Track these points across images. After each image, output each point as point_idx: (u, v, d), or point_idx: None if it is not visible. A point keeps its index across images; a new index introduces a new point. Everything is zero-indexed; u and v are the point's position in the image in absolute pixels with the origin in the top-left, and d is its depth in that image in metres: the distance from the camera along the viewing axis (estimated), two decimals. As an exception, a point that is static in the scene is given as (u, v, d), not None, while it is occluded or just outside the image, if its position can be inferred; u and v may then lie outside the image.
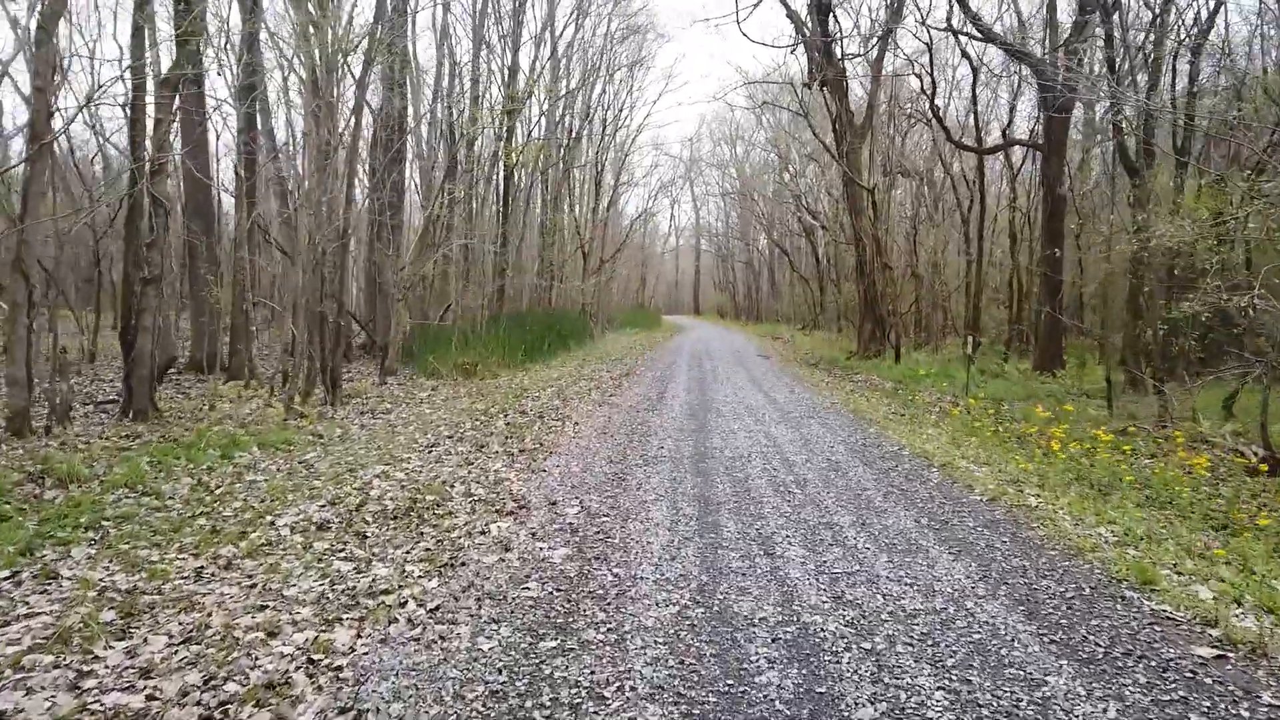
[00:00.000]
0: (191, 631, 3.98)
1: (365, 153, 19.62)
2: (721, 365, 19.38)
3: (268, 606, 4.29)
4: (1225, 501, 7.33)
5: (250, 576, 4.78)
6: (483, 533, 5.54)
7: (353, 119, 12.59)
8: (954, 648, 3.87)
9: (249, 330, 13.80)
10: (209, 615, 4.17)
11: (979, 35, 18.40)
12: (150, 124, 10.44)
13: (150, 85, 11.28)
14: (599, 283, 31.52)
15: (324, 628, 3.99)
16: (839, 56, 21.62)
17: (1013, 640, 3.98)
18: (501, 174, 23.63)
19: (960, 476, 7.70)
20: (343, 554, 5.16)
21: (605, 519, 5.95)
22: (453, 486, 6.91)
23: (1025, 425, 11.39)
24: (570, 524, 5.80)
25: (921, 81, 19.20)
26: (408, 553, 5.16)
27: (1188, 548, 5.69)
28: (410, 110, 20.91)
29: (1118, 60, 16.75)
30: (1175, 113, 12.47)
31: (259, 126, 16.83)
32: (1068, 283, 19.44)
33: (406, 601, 4.26)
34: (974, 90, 21.25)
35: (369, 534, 5.59)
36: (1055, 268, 17.91)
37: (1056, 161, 17.94)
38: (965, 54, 20.56)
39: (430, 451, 8.60)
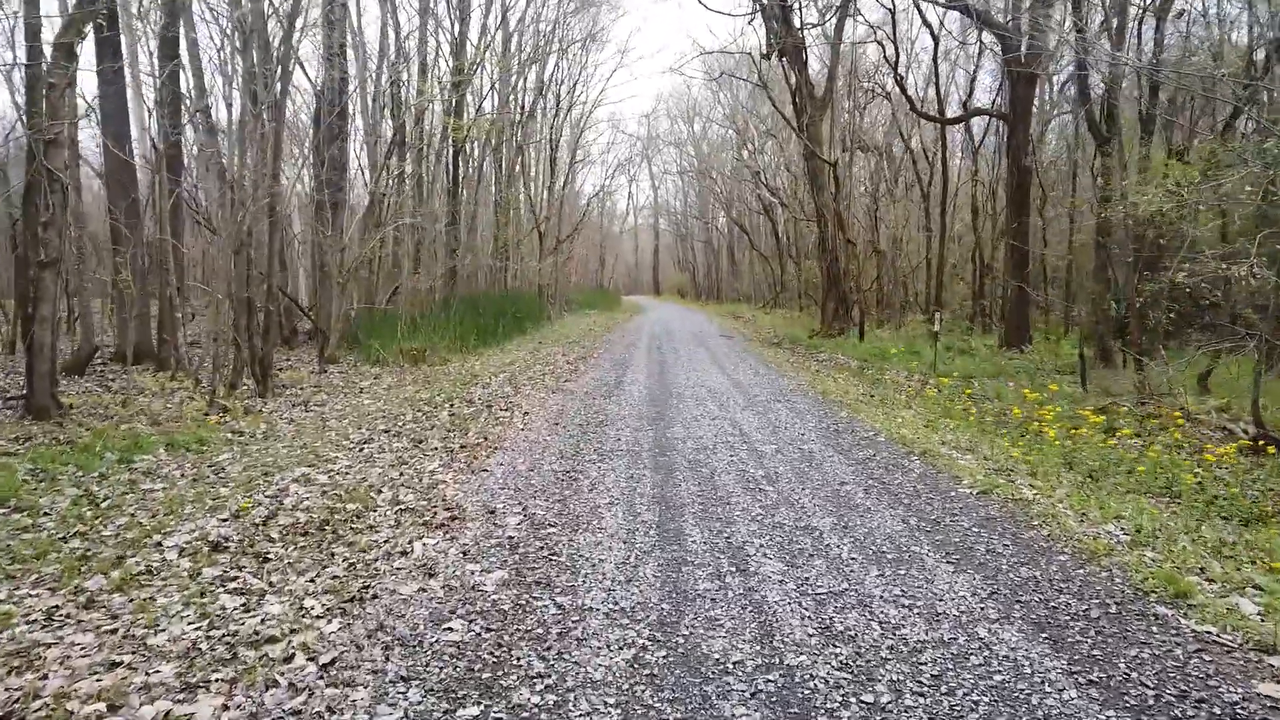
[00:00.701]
0: (13, 704, 3.09)
1: (311, 130, 18.47)
2: (683, 346, 18.60)
3: (122, 662, 3.40)
4: (1226, 485, 6.70)
5: (114, 618, 3.88)
6: (405, 553, 4.68)
7: (279, 86, 11.50)
8: (974, 696, 3.12)
9: (173, 317, 12.68)
10: (44, 678, 3.28)
11: (943, 1, 17.69)
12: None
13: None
14: (556, 263, 30.53)
15: (183, 695, 3.11)
16: (798, 26, 20.82)
17: (1042, 682, 3.23)
18: (451, 151, 22.50)
19: (944, 465, 6.99)
20: (235, 583, 4.27)
21: (551, 530, 5.12)
22: (380, 492, 6.04)
23: (1003, 405, 10.77)
24: (510, 538, 4.96)
25: (884, 50, 18.47)
26: (311, 581, 4.28)
27: (1210, 545, 5.01)
28: (355, 83, 19.73)
29: (1084, 25, 16.14)
30: (1157, 70, 11.80)
31: (188, 96, 15.64)
32: (1033, 257, 18.93)
33: (294, 654, 3.40)
34: (935, 61, 20.61)
35: (271, 555, 4.70)
36: (1022, 240, 17.38)
37: (1022, 131, 17.35)
38: (926, 22, 19.90)
39: (362, 449, 7.69)
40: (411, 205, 21.32)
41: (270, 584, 4.25)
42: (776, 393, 11.34)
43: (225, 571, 4.44)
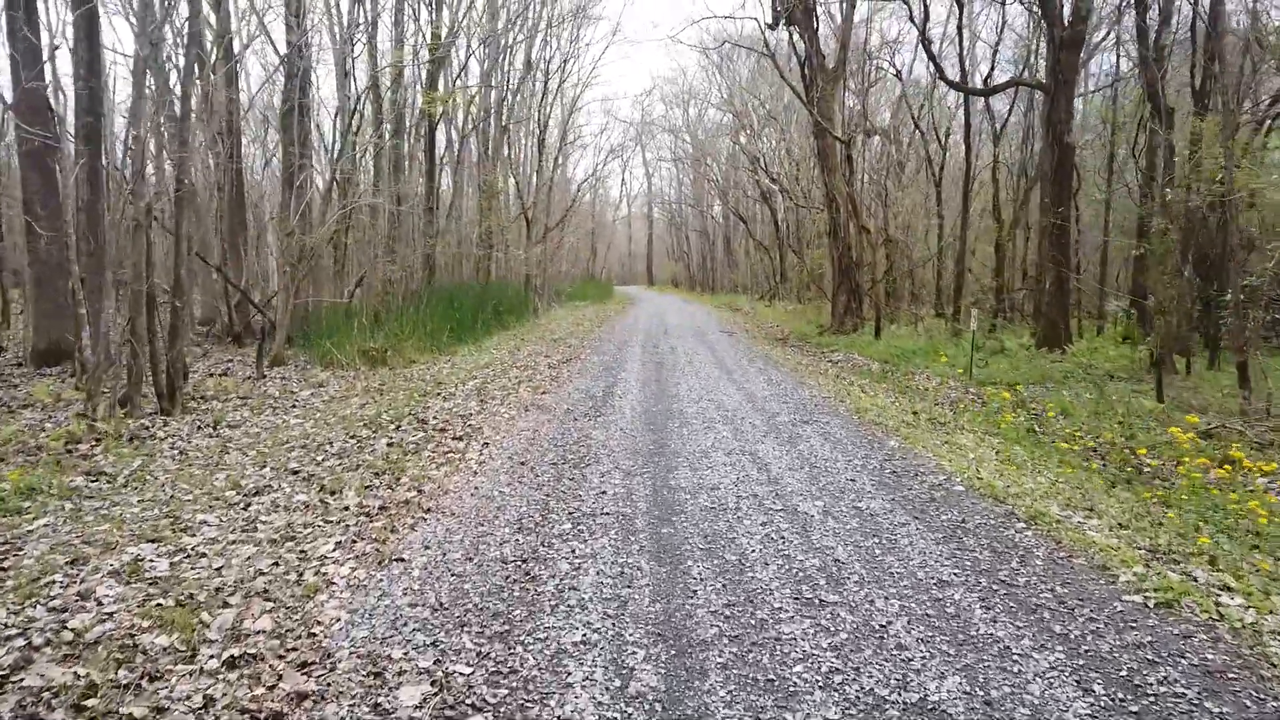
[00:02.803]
0: None
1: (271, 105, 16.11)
2: (681, 345, 16.29)
3: None
4: None
5: None
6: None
7: (185, 40, 9.11)
8: None
9: (77, 312, 10.32)
10: None
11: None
12: None
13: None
14: (545, 252, 28.13)
15: None
16: (809, -11, 18.45)
17: None
18: (428, 128, 20.08)
19: (1071, 542, 4.74)
20: None
21: None
22: (222, 609, 3.75)
23: (1078, 426, 8.53)
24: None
25: (911, 8, 16.10)
26: None
27: None
28: (324, 50, 17.32)
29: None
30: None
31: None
32: (1077, 246, 16.69)
33: None
34: (960, 29, 18.25)
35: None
36: (1063, 227, 15.11)
37: (1065, 103, 15.05)
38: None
39: (248, 506, 5.39)
40: (384, 187, 18.96)
41: None
42: (800, 409, 9.07)
43: None
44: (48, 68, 10.31)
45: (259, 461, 6.66)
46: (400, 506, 5.29)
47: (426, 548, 4.49)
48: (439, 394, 10.08)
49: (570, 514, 5.15)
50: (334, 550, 4.46)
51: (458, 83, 21.23)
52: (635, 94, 57.94)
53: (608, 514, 5.16)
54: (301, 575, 4.15)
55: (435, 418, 8.52)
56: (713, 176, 45.05)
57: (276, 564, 4.30)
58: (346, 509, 5.28)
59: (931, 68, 16.15)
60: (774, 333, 20.28)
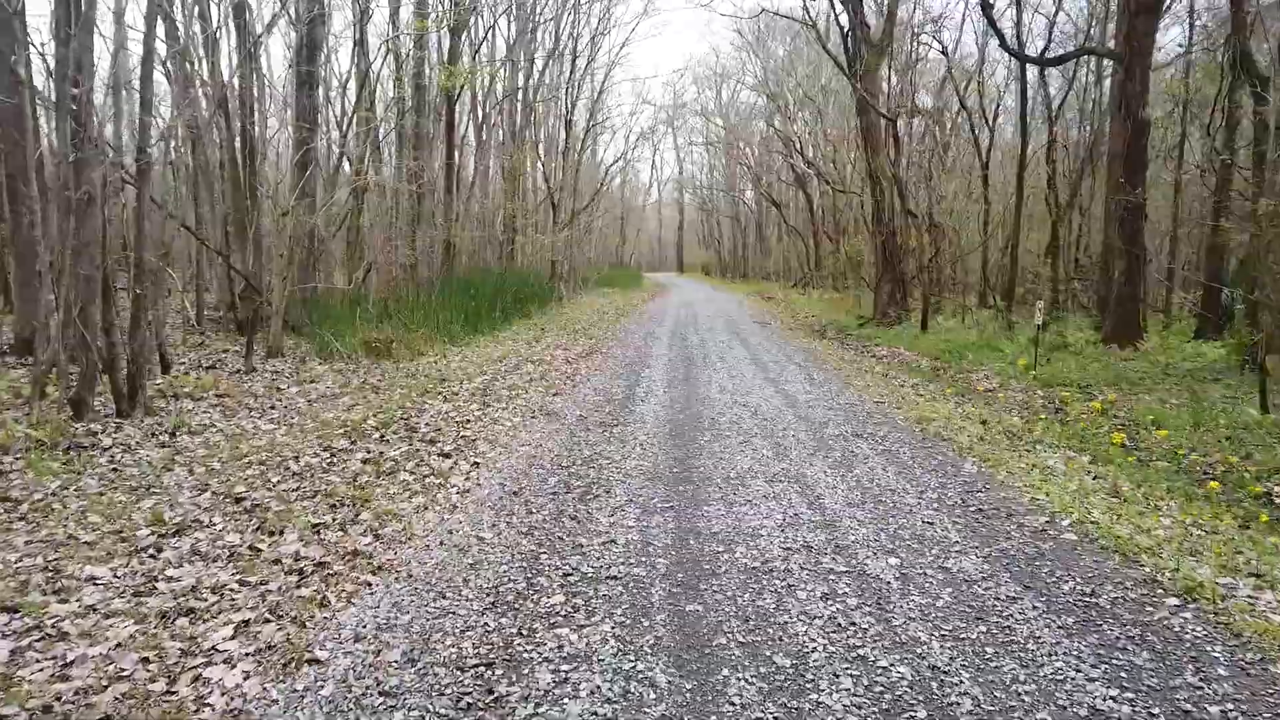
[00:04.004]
0: None
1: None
2: (711, 338, 14.91)
3: None
4: None
5: None
6: None
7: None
8: None
9: (35, 297, 9.18)
10: None
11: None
12: None
13: None
14: (571, 237, 26.80)
15: None
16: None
17: None
18: (445, 105, 18.75)
19: (1255, 635, 3.35)
20: None
21: None
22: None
23: (1179, 443, 7.07)
24: None
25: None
26: None
27: None
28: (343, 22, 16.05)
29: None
30: None
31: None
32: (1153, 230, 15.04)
33: None
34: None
35: None
36: (1136, 210, 13.48)
37: (1140, 74, 13.37)
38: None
39: (156, 554, 4.15)
40: (401, 168, 17.73)
41: None
42: (850, 418, 7.68)
43: None
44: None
45: (201, 483, 5.42)
46: (346, 561, 4.01)
47: (357, 639, 3.19)
48: (440, 393, 8.82)
49: (565, 576, 3.83)
50: (231, 639, 3.18)
51: (479, 57, 19.90)
52: (666, 74, 55.85)
53: (615, 577, 3.83)
54: (173, 684, 2.88)
55: (428, 424, 7.26)
56: (746, 160, 43.37)
57: (148, 660, 3.04)
58: (277, 562, 4.01)
59: (990, 36, 14.50)
60: (810, 323, 18.82)
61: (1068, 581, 3.91)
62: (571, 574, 3.86)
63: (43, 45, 9.02)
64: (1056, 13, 18.94)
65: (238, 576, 3.83)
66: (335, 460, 6.06)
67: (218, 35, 13.66)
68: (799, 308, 23.88)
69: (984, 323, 17.20)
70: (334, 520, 4.62)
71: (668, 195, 69.85)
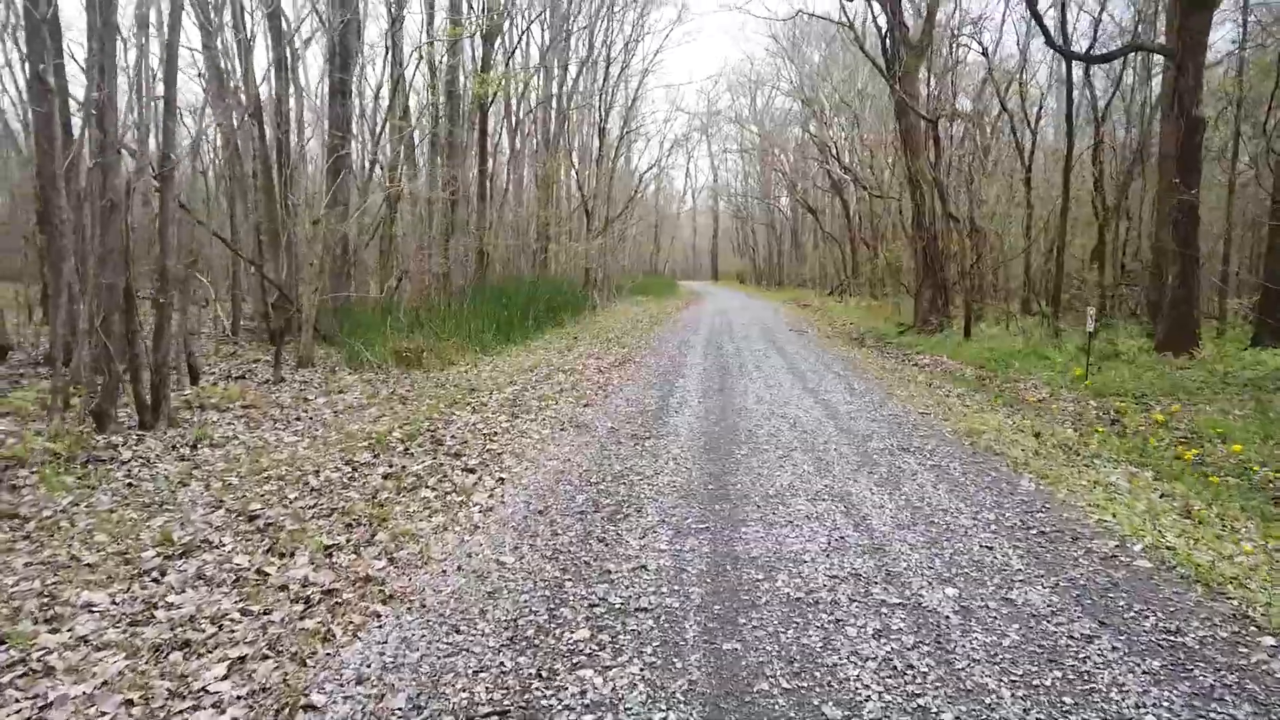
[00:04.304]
0: None
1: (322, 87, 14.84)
2: (747, 346, 14.52)
3: None
4: None
5: None
6: None
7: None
8: None
9: (72, 308, 9.10)
10: None
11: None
12: None
13: None
14: (605, 245, 26.54)
15: None
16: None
17: None
18: (479, 113, 18.60)
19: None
20: None
21: None
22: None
23: (1248, 458, 6.57)
24: None
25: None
26: None
27: None
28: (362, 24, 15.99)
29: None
30: None
31: None
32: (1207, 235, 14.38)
33: None
34: (1063, -5, 15.98)
35: None
36: (1190, 212, 12.85)
37: (1194, 70, 12.75)
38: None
39: (160, 578, 3.90)
40: (435, 176, 17.61)
41: None
42: (895, 430, 7.27)
43: None
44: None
45: (216, 500, 5.19)
46: (357, 588, 3.72)
47: (360, 680, 2.89)
48: (469, 404, 8.57)
49: (590, 608, 3.50)
50: (224, 678, 2.90)
51: (512, 64, 19.75)
52: (700, 81, 55.39)
53: (645, 609, 3.50)
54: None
55: (454, 436, 6.99)
56: (780, 167, 42.86)
57: (132, 703, 2.76)
58: (284, 588, 3.73)
59: (1033, 35, 13.95)
60: (848, 331, 18.34)
61: (1148, 617, 3.50)
62: (598, 604, 3.53)
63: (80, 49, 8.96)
64: (1102, 11, 18.29)
65: (241, 604, 3.56)
66: (356, 475, 5.81)
67: (251, 42, 13.63)
68: (836, 315, 23.37)
69: (1029, 330, 16.58)
70: (348, 541, 4.35)
71: (702, 203, 69.46)
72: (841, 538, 4.43)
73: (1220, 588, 3.82)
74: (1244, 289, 17.58)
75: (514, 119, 21.65)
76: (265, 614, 3.46)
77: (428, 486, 5.42)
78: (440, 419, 7.72)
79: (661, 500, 5.10)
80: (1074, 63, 16.82)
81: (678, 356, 12.80)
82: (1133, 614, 3.53)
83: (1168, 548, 4.34)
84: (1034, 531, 4.58)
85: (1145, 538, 4.49)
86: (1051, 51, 17.45)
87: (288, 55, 14.01)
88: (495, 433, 7.14)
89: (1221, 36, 20.82)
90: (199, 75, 14.29)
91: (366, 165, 15.10)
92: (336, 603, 3.55)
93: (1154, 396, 9.76)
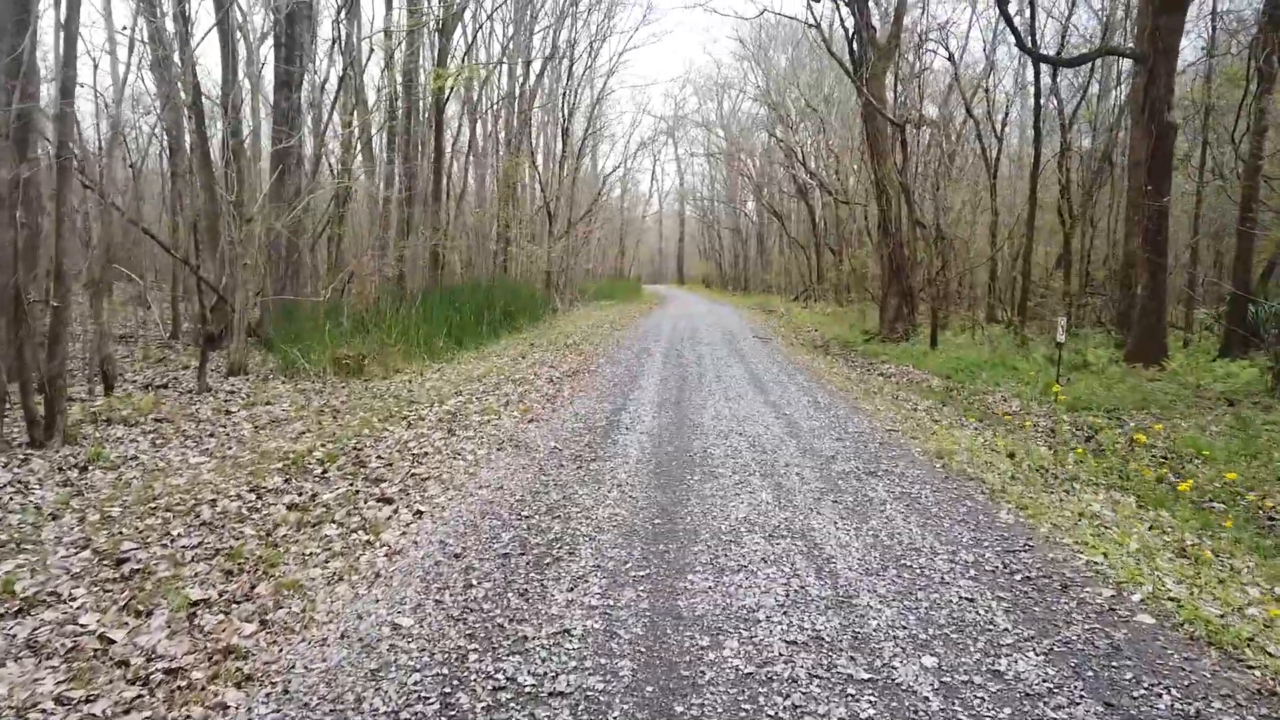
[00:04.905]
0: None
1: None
2: (710, 353, 13.94)
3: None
4: None
5: None
6: None
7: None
8: None
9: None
10: None
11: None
12: None
13: None
14: (567, 247, 25.85)
15: None
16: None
17: None
18: (434, 108, 17.82)
19: None
20: None
21: None
22: None
23: (1231, 479, 6.11)
24: None
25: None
26: None
27: None
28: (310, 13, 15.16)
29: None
30: None
31: None
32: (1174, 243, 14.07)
33: None
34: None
35: None
36: (1161, 219, 12.50)
37: (1165, 76, 12.41)
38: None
39: (-21, 646, 3.17)
40: (385, 174, 16.82)
41: None
42: (861, 450, 6.69)
43: None
44: None
45: (85, 537, 4.45)
46: (213, 663, 3.02)
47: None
48: (405, 418, 7.86)
49: (494, 692, 2.84)
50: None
51: (470, 59, 19.00)
52: (666, 82, 54.81)
53: (560, 693, 2.84)
54: None
55: (380, 457, 6.29)
56: (747, 171, 42.48)
57: None
58: (124, 663, 3.03)
59: (999, 42, 13.57)
60: (813, 339, 17.85)
61: (1161, 695, 2.93)
62: (504, 687, 2.87)
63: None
64: (1070, 16, 18.02)
65: (61, 688, 2.85)
66: (259, 504, 5.09)
67: (193, 27, 12.78)
68: (801, 322, 22.89)
69: (995, 339, 16.21)
70: (221, 595, 3.65)
71: (668, 207, 68.99)
72: (802, 587, 3.81)
73: (1237, 652, 3.27)
74: (1211, 298, 17.36)
75: (474, 116, 20.91)
76: (87, 702, 2.76)
77: (334, 521, 4.73)
78: (371, 436, 7.01)
79: (599, 538, 4.45)
80: (1042, 68, 16.51)
81: (635, 365, 12.17)
82: (1143, 691, 2.95)
83: (1170, 598, 3.79)
84: (1019, 577, 4.01)
85: (1144, 585, 3.94)
86: (1017, 59, 17.16)
87: (233, 44, 13.16)
88: (426, 453, 6.46)
89: (1188, 44, 20.68)
90: (138, 65, 13.37)
91: (311, 162, 14.27)
92: (179, 686, 2.85)
93: (1127, 410, 9.35)
